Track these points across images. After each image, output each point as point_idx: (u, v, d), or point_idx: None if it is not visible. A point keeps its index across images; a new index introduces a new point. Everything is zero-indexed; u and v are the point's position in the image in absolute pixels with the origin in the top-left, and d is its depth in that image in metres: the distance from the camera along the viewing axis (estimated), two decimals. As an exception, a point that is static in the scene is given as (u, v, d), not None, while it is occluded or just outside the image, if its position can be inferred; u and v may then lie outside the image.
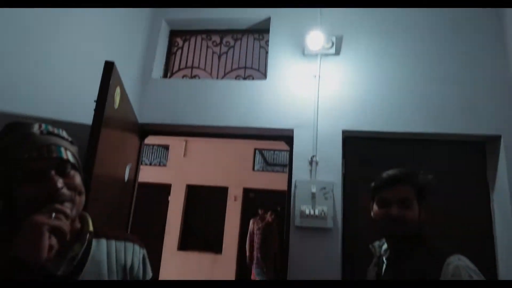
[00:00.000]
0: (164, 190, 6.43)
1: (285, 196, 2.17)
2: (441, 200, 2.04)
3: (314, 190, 2.06)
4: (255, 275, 5.42)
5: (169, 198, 6.27)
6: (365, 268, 1.39)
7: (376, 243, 1.36)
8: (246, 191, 6.15)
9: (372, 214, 1.25)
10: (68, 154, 0.82)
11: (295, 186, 2.11)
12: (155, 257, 5.63)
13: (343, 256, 2.02)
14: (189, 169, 6.21)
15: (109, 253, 0.91)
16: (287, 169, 2.24)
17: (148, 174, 5.86)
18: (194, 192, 6.24)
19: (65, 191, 0.77)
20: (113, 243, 0.93)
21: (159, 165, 6.47)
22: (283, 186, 2.24)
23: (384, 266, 1.25)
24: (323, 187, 2.06)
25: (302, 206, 2.04)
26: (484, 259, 1.99)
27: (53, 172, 0.77)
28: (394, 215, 1.17)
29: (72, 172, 0.82)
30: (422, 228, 1.21)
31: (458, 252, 1.13)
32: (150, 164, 6.45)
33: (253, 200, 6.13)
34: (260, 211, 5.55)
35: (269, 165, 6.35)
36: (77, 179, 0.82)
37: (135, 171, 2.31)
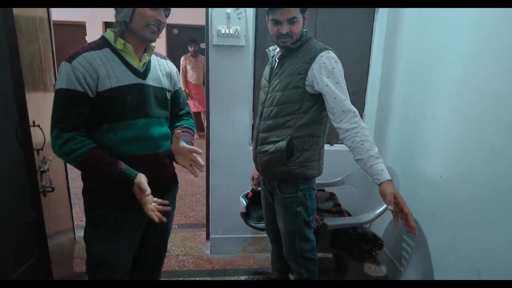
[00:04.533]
0: (79, 29, 5.92)
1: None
2: (332, 15, 2.40)
3: (228, 10, 2.23)
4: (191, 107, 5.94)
5: (86, 38, 5.88)
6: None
7: (271, 47, 1.73)
8: (169, 27, 5.96)
9: (269, 31, 1.56)
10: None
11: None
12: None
13: (254, 70, 2.42)
14: (102, 4, 5.67)
15: (158, 63, 1.43)
16: None
17: (60, 13, 5.22)
18: (112, 31, 5.93)
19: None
20: (159, 58, 1.45)
21: (65, -1, 5.69)
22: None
23: (276, 63, 1.65)
24: (237, 8, 2.23)
25: (219, 26, 2.25)
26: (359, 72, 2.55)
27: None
28: (285, 33, 1.49)
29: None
30: (305, 34, 1.58)
31: (329, 49, 1.54)
32: None
33: (177, 37, 6.05)
34: (190, 48, 5.63)
35: (191, -2, 6.00)
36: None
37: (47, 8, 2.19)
